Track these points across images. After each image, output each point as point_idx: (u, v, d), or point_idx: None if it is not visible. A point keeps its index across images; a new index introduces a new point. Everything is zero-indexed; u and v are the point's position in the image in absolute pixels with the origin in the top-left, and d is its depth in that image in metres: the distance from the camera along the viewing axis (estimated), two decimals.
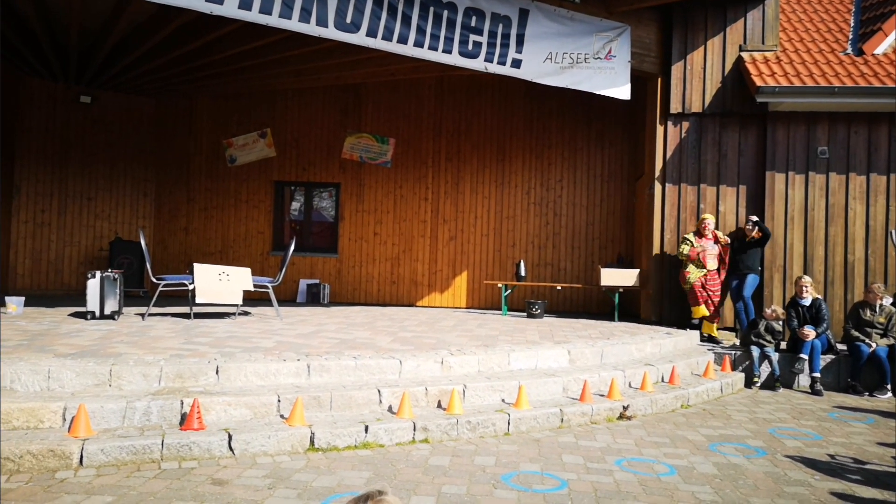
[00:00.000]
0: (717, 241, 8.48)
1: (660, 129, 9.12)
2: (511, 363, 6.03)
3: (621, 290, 9.66)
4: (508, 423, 4.95)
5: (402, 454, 4.33)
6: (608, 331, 8.14)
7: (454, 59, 7.54)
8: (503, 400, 5.36)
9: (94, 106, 12.13)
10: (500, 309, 10.95)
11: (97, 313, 7.21)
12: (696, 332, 8.39)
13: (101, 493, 3.43)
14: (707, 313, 8.38)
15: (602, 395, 5.77)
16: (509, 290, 10.56)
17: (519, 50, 7.83)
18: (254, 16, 6.44)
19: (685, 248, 8.43)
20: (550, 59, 8.00)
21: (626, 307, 10.40)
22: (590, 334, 7.70)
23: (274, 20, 6.53)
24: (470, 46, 7.58)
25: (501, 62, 7.78)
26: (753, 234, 8.29)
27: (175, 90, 12.31)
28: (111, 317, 7.31)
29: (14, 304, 7.58)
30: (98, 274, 7.23)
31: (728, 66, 8.98)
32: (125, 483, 3.57)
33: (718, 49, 9.03)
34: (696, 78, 9.02)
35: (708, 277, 8.37)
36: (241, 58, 10.10)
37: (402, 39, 7.18)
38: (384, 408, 4.89)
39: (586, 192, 11.68)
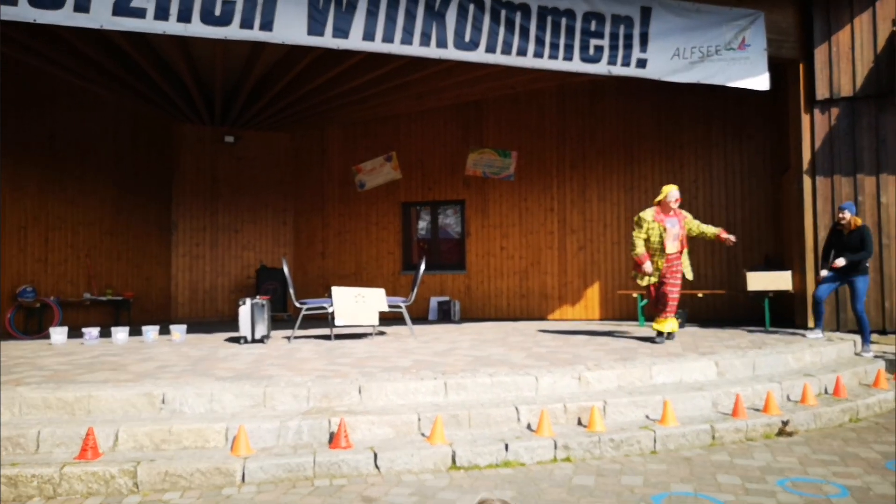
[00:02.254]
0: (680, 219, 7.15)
1: (805, 118, 8.43)
2: (653, 377, 5.76)
3: (771, 294, 8.97)
4: (654, 441, 4.71)
5: (544, 473, 4.24)
6: (759, 339, 7.57)
7: (576, 65, 7.40)
8: (647, 416, 5.12)
9: (237, 144, 13.15)
10: (636, 320, 10.54)
11: (249, 338, 7.71)
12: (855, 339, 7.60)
13: None
14: (676, 328, 7.46)
15: (757, 410, 5.35)
16: (645, 300, 10.13)
17: (643, 49, 7.55)
18: (377, 45, 6.70)
19: (639, 244, 7.08)
20: (678, 55, 7.64)
21: (778, 313, 9.62)
22: (738, 344, 7.21)
23: (396, 47, 6.75)
24: (591, 51, 7.42)
25: (626, 64, 7.54)
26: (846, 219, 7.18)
27: (307, 123, 13.07)
28: (261, 341, 7.80)
29: (178, 332, 8.31)
30: (248, 301, 7.74)
31: (881, 44, 8.15)
32: (283, 500, 3.76)
33: (868, 26, 8.23)
34: (844, 60, 8.27)
35: (668, 266, 7.19)
36: (366, 86, 10.56)
37: (522, 52, 7.17)
38: (522, 425, 4.83)
39: (725, 191, 11.00)
